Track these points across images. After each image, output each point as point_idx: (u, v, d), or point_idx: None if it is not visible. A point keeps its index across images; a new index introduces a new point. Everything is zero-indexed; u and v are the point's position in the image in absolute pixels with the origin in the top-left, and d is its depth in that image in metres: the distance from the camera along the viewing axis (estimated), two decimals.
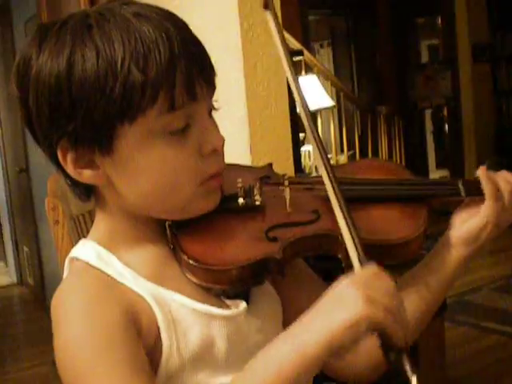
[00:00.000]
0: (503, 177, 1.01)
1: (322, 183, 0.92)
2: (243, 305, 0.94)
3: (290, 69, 0.97)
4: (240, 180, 0.97)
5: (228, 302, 0.93)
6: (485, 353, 3.65)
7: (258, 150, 2.12)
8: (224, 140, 0.93)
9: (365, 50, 8.12)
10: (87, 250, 0.93)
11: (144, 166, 0.88)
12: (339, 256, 0.93)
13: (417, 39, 8.50)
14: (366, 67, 8.07)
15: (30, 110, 0.88)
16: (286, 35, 5.04)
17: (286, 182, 0.99)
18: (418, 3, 7.88)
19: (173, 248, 0.93)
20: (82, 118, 0.84)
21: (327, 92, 5.42)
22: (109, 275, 0.89)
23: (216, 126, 0.93)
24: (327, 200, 0.91)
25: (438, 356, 2.49)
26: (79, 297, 0.87)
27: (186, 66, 0.85)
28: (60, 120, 0.85)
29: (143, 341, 0.86)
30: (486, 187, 0.99)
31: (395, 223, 1.00)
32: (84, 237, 1.61)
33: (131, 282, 0.89)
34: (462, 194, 1.02)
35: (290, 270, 0.95)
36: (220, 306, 0.92)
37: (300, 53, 4.81)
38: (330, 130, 5.64)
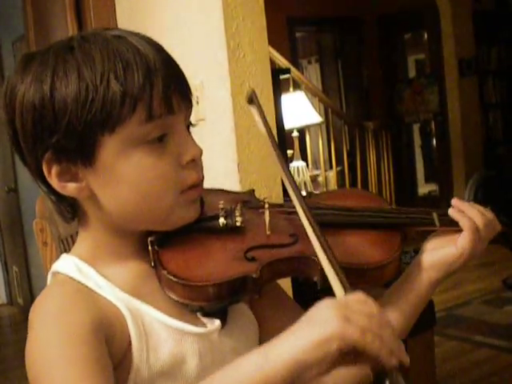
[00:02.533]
0: (478, 210, 1.06)
1: (296, 207, 0.95)
2: (217, 322, 0.97)
3: (279, 157, 1.00)
4: (222, 202, 1.01)
5: (204, 319, 0.96)
6: (475, 367, 3.65)
7: (245, 167, 2.12)
8: (201, 151, 0.96)
9: (352, 65, 8.16)
10: (67, 264, 0.96)
11: (124, 175, 0.91)
12: (315, 279, 0.95)
13: (404, 54, 8.55)
14: (354, 83, 8.11)
15: (16, 130, 0.92)
16: (275, 53, 5.06)
17: (266, 205, 1.03)
18: (405, 19, 7.94)
19: (154, 265, 0.95)
20: (64, 130, 0.88)
21: (315, 108, 5.45)
22: (87, 286, 0.92)
23: (193, 139, 0.97)
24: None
25: (428, 370, 2.50)
26: (53, 302, 0.90)
27: (163, 81, 0.90)
28: (44, 133, 0.89)
29: (114, 350, 0.87)
30: (463, 220, 1.04)
31: (370, 248, 1.03)
32: None
33: (108, 293, 0.92)
34: (437, 224, 1.07)
35: (267, 293, 0.99)
36: (195, 324, 0.95)
37: (287, 71, 4.84)
38: (318, 146, 5.66)
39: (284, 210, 1.06)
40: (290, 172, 1.00)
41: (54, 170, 0.91)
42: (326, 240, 0.89)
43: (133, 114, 0.88)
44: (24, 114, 0.90)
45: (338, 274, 0.84)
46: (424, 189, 8.53)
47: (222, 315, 0.99)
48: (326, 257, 0.87)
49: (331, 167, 5.93)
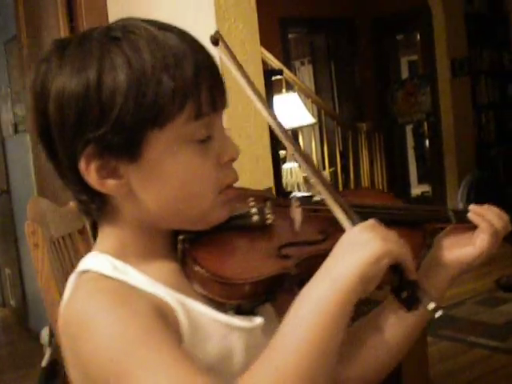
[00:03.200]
0: (496, 213, 1.07)
1: (325, 204, 0.96)
2: (260, 319, 0.95)
3: (259, 97, 1.01)
4: (251, 199, 1.01)
5: (237, 317, 0.94)
6: (469, 367, 3.65)
7: (236, 167, 2.11)
8: (239, 151, 0.96)
9: (345, 66, 8.17)
10: (101, 262, 0.91)
11: (170, 173, 0.89)
12: None
13: (396, 55, 8.57)
14: (347, 84, 8.12)
15: (49, 122, 0.88)
16: (268, 55, 5.06)
17: (297, 203, 1.03)
18: (397, 20, 7.95)
19: (182, 263, 0.94)
20: (112, 124, 0.85)
21: (308, 109, 5.45)
22: (128, 284, 0.89)
23: (231, 138, 0.96)
24: (333, 221, 0.95)
25: (421, 371, 2.49)
26: (101, 299, 0.85)
27: (209, 78, 0.90)
28: (88, 126, 0.85)
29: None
30: (483, 224, 1.05)
31: None
32: (64, 260, 1.62)
33: (152, 287, 0.89)
34: (453, 221, 1.08)
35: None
36: None
37: (280, 72, 4.84)
38: (311, 147, 5.66)
39: (311, 207, 1.05)
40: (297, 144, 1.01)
41: (94, 165, 0.88)
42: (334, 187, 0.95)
43: (182, 110, 0.87)
44: (65, 105, 0.86)
45: (345, 209, 0.93)
46: (417, 190, 8.55)
47: (252, 313, 0.96)
48: (333, 199, 0.94)
49: (324, 168, 5.93)
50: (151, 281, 0.90)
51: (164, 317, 0.85)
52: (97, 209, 0.93)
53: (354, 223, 0.90)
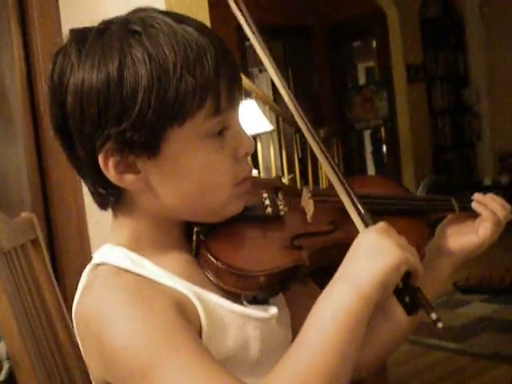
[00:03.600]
0: (499, 202, 1.10)
1: (335, 195, 0.97)
2: (274, 309, 0.96)
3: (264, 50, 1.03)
4: (263, 191, 1.02)
5: (252, 307, 0.94)
6: (428, 370, 3.67)
7: None
8: (254, 144, 0.96)
9: (302, 73, 8.20)
10: (117, 254, 0.92)
11: (189, 168, 0.90)
12: None
13: (353, 62, 8.64)
14: (304, 91, 8.15)
15: (68, 115, 0.87)
16: None
17: (309, 194, 1.03)
18: (353, 27, 8.02)
19: (196, 255, 0.95)
20: (133, 120, 0.84)
21: (266, 116, 5.45)
22: (146, 277, 0.89)
23: (246, 132, 0.96)
24: (341, 212, 0.97)
25: (379, 375, 2.50)
26: (120, 293, 0.86)
27: (229, 74, 0.90)
28: (108, 122, 0.85)
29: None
30: (486, 213, 1.08)
31: (405, 235, 1.02)
32: (15, 271, 1.59)
33: (170, 281, 0.89)
34: (456, 210, 1.10)
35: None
36: None
37: None
38: (270, 153, 5.67)
39: (321, 198, 1.05)
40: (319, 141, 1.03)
41: (112, 160, 0.88)
42: (349, 185, 0.95)
43: (202, 107, 0.86)
44: (84, 99, 0.85)
45: (358, 209, 0.94)
46: None
47: (266, 303, 0.98)
48: (348, 197, 0.95)
49: (283, 175, 5.93)
50: (168, 274, 0.90)
51: (184, 311, 0.86)
52: (114, 201, 0.94)
53: (367, 224, 0.92)
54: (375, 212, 1.04)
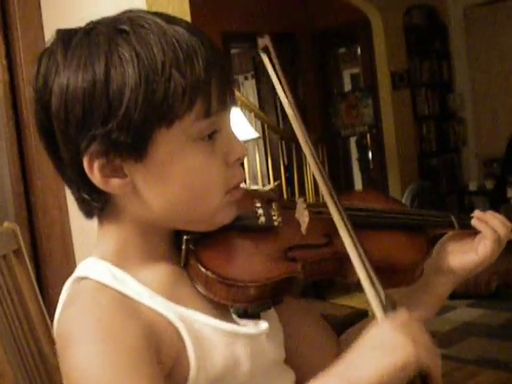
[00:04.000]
0: (500, 220, 1.07)
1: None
2: (265, 324, 0.92)
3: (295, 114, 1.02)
4: (257, 200, 1.00)
5: (241, 322, 0.91)
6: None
7: None
8: (247, 150, 0.94)
9: (288, 81, 8.20)
10: (99, 269, 0.89)
11: (178, 172, 0.87)
12: (351, 280, 0.95)
13: (338, 69, 8.65)
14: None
15: (52, 117, 0.85)
16: None
17: (304, 205, 1.01)
18: (338, 34, 8.04)
19: (184, 265, 0.91)
20: (119, 120, 0.82)
21: (252, 124, 5.46)
22: (126, 295, 0.86)
23: (238, 137, 0.93)
24: (334, 224, 0.93)
25: None
26: (96, 317, 0.83)
27: (219, 75, 0.87)
28: (94, 123, 0.82)
29: (162, 364, 0.83)
30: (486, 231, 1.04)
31: (401, 249, 1.04)
32: None
33: (150, 301, 0.86)
34: (456, 226, 1.07)
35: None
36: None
37: None
38: (255, 161, 5.67)
39: (315, 210, 1.02)
40: (321, 165, 0.99)
41: (97, 163, 0.85)
42: (361, 244, 0.90)
43: (192, 108, 0.84)
44: (69, 100, 0.83)
45: (371, 279, 0.87)
46: None
47: (257, 317, 0.94)
48: (359, 260, 0.88)
49: (269, 182, 5.94)
50: (151, 293, 0.87)
51: (157, 336, 0.83)
52: (99, 208, 0.90)
53: (386, 310, 0.84)
54: (373, 226, 1.04)
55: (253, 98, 8.24)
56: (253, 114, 5.64)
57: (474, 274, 1.08)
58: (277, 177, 5.88)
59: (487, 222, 1.06)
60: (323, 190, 0.95)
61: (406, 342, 0.78)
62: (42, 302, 1.75)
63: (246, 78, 8.78)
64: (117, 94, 0.81)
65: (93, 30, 0.86)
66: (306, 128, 1.02)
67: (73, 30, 0.88)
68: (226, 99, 0.88)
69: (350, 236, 0.90)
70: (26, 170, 2.62)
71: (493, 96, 7.62)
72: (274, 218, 0.98)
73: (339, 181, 7.99)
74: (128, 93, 0.81)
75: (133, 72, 0.81)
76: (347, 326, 1.12)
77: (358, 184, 8.67)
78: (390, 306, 0.85)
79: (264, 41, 1.03)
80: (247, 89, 8.69)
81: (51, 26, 2.70)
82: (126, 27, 0.84)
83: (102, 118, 0.82)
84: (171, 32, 0.84)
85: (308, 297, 4.77)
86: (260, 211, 0.98)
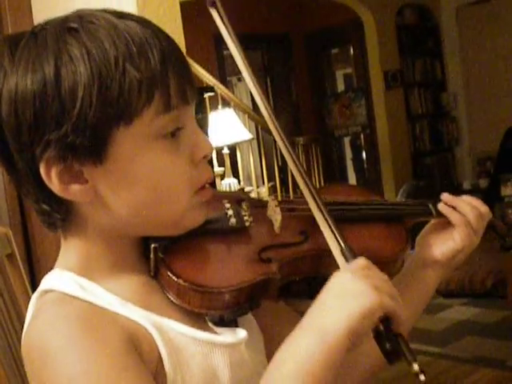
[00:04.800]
0: (468, 202, 1.05)
1: (304, 203, 0.91)
2: (243, 332, 0.88)
3: (245, 64, 0.96)
4: (225, 201, 0.95)
5: (218, 330, 0.87)
6: (409, 375, 3.68)
7: None
8: (213, 147, 0.90)
9: (281, 81, 8.23)
10: (64, 281, 0.84)
11: (141, 173, 0.82)
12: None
13: (331, 69, 8.67)
14: (283, 98, 8.18)
15: (3, 125, 0.80)
16: (201, 70, 5.04)
17: (275, 202, 0.97)
18: (331, 34, 8.06)
19: (154, 275, 0.87)
20: (74, 122, 0.77)
21: (245, 125, 5.46)
22: (96, 305, 0.81)
23: (204, 134, 0.89)
24: (311, 220, 0.90)
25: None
26: (67, 325, 0.77)
27: (177, 68, 0.82)
28: (47, 127, 0.77)
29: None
30: (453, 216, 1.03)
31: (381, 242, 1.02)
32: None
33: (123, 309, 0.82)
34: (434, 214, 1.06)
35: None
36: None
37: (211, 89, 4.85)
38: (249, 162, 5.67)
39: (288, 206, 0.99)
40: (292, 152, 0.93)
41: (55, 170, 0.79)
42: (336, 223, 0.88)
43: (150, 103, 0.79)
44: (19, 105, 0.77)
45: (339, 242, 0.86)
46: None
47: (234, 324, 0.90)
48: (329, 228, 0.87)
49: (263, 183, 5.94)
50: (121, 300, 0.83)
51: (137, 343, 0.79)
52: (61, 219, 0.85)
53: (347, 259, 0.83)
54: (349, 219, 1.01)
55: (246, 100, 8.24)
56: (246, 115, 5.64)
57: (459, 263, 1.06)
58: (271, 178, 5.88)
59: (455, 208, 1.05)
60: (300, 182, 0.91)
61: (368, 288, 0.77)
62: None
63: (239, 80, 8.78)
64: (69, 93, 0.77)
65: (40, 31, 0.81)
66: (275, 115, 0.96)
67: (19, 33, 0.83)
68: (186, 93, 0.84)
69: (326, 218, 0.88)
70: None
71: (486, 94, 7.64)
72: (245, 218, 0.94)
73: (334, 181, 7.99)
74: (81, 92, 0.77)
75: (84, 69, 0.77)
76: None
77: (353, 184, 8.69)
78: (350, 255, 0.84)
79: None
80: (240, 90, 8.70)
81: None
82: (75, 25, 0.80)
83: (56, 120, 0.77)
84: (122, 26, 0.80)
85: (301, 297, 4.76)
86: (230, 212, 0.94)
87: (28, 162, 0.81)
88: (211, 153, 0.89)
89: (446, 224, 1.05)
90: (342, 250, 0.85)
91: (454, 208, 1.05)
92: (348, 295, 0.77)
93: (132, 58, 0.78)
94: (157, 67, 0.80)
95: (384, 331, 0.78)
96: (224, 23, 0.96)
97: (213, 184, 0.95)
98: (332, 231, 0.86)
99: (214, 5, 0.97)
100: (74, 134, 0.77)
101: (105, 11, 0.83)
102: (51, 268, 0.89)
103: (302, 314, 0.81)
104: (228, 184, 5.29)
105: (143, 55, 0.79)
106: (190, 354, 0.83)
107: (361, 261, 0.82)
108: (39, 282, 0.86)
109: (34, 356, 0.79)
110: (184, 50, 2.27)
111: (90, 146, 0.79)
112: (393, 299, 0.78)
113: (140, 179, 0.82)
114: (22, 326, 1.64)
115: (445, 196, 1.06)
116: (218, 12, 0.96)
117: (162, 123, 0.82)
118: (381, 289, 0.78)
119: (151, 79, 0.79)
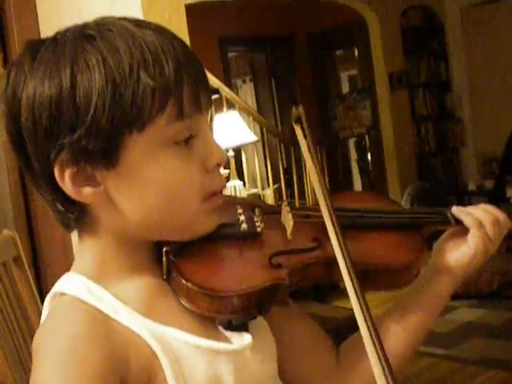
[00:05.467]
0: (483, 208, 1.05)
1: (320, 211, 0.92)
2: (248, 337, 0.89)
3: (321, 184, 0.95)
4: (239, 207, 0.97)
5: (228, 334, 0.89)
6: (416, 376, 3.67)
7: None
8: (227, 155, 0.91)
9: (285, 83, 8.23)
10: (76, 284, 0.86)
11: (152, 179, 0.84)
12: (341, 285, 0.91)
13: (336, 71, 8.67)
14: (288, 100, 8.17)
15: (21, 129, 0.83)
16: (206, 73, 5.10)
17: (288, 208, 0.97)
18: (335, 36, 8.06)
19: (167, 277, 0.88)
20: (88, 127, 0.80)
21: (250, 127, 5.47)
22: (101, 311, 0.83)
23: (217, 142, 0.90)
24: (325, 227, 0.90)
25: None
26: (63, 331, 0.81)
27: (192, 76, 0.84)
28: (62, 131, 0.80)
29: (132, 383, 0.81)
30: (466, 219, 1.02)
31: (395, 249, 1.01)
32: None
33: (126, 318, 0.83)
34: (452, 222, 1.04)
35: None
36: (221, 340, 0.88)
37: (216, 91, 4.86)
38: (254, 164, 5.68)
39: (303, 213, 1.00)
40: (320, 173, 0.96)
41: (68, 172, 0.82)
42: (346, 247, 0.87)
43: (163, 111, 0.81)
44: (36, 109, 0.81)
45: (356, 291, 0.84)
46: None
47: (244, 329, 0.90)
48: (344, 263, 0.86)
49: (268, 185, 5.95)
50: (127, 309, 0.84)
51: (124, 360, 0.80)
52: (75, 219, 0.88)
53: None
54: (366, 227, 1.01)
55: (251, 102, 8.25)
56: (251, 117, 5.65)
57: (473, 270, 1.04)
58: (276, 180, 5.89)
59: (468, 212, 1.04)
60: (318, 192, 0.93)
61: None
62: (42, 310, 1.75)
63: (243, 82, 8.80)
64: (83, 99, 0.80)
65: (60, 38, 0.84)
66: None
67: (41, 40, 0.86)
68: (200, 101, 0.86)
69: (340, 245, 0.88)
70: (25, 177, 2.62)
71: (491, 95, 7.62)
72: (257, 223, 0.95)
73: (339, 183, 7.99)
74: (95, 98, 0.79)
75: (99, 76, 0.80)
76: (348, 328, 1.12)
77: (358, 186, 8.68)
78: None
79: (298, 111, 1.02)
80: (245, 92, 8.71)
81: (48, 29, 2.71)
82: (92, 32, 0.83)
83: (70, 125, 0.80)
84: (139, 34, 0.82)
85: (308, 299, 4.76)
86: (242, 217, 0.95)
87: (43, 164, 0.83)
88: (224, 161, 0.90)
89: (463, 232, 1.04)
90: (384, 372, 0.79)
91: (466, 212, 1.04)
92: None
93: (146, 66, 0.81)
94: (171, 75, 0.81)
95: None
96: (306, 139, 0.99)
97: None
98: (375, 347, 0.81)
99: (298, 121, 1.01)
100: (87, 139, 0.80)
101: (124, 19, 0.86)
102: (57, 271, 0.91)
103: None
104: (233, 186, 5.29)
105: (158, 63, 0.81)
106: (194, 363, 0.84)
107: None
108: (45, 284, 0.87)
109: (33, 353, 0.82)
110: (204, 56, 2.27)
111: (102, 150, 0.81)
112: None
113: (151, 184, 0.84)
114: (28, 328, 1.66)
115: (454, 207, 1.06)
116: (302, 129, 1.00)
117: (174, 130, 0.83)
118: None
119: (165, 87, 0.81)
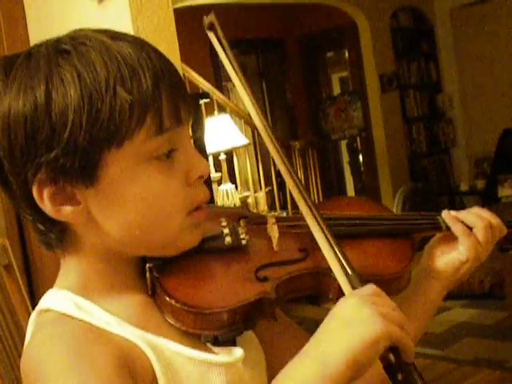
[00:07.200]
0: (475, 212, 1.03)
1: (305, 220, 0.90)
2: (239, 351, 0.87)
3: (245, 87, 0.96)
4: (223, 219, 0.94)
5: (215, 349, 0.86)
6: None
7: None
8: (210, 167, 0.89)
9: (276, 86, 8.23)
10: (62, 300, 0.84)
11: (132, 195, 0.82)
12: (330, 296, 0.91)
13: (327, 73, 8.67)
14: (279, 103, 8.18)
15: None
16: (197, 77, 5.06)
17: (273, 220, 0.95)
18: (326, 38, 8.07)
19: (152, 294, 0.86)
20: (64, 145, 0.77)
21: (242, 130, 5.48)
22: (92, 324, 0.81)
23: (199, 154, 0.88)
24: (312, 238, 0.88)
25: None
26: (62, 347, 0.77)
27: (170, 89, 0.82)
28: (38, 149, 0.78)
29: None
30: (454, 227, 1.01)
31: (385, 258, 1.00)
32: None
33: (119, 329, 0.81)
34: (443, 228, 1.03)
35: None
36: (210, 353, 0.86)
37: (207, 95, 4.86)
38: (246, 167, 5.68)
39: (290, 223, 0.97)
40: (294, 173, 0.93)
41: (47, 192, 0.80)
42: (340, 247, 0.86)
43: (142, 126, 0.79)
44: (12, 127, 0.78)
45: (346, 270, 0.83)
46: None
47: (232, 343, 0.88)
48: (336, 260, 0.85)
49: (260, 188, 5.95)
50: (117, 319, 0.83)
51: (130, 363, 0.78)
52: (56, 239, 0.85)
53: (353, 286, 0.81)
54: (352, 236, 0.99)
55: (242, 105, 8.24)
56: (242, 120, 5.65)
57: (465, 275, 1.04)
58: (268, 183, 5.89)
59: (458, 217, 1.03)
60: (299, 201, 0.90)
61: (373, 316, 0.74)
62: None
63: (234, 85, 8.79)
64: (59, 117, 0.77)
65: (33, 53, 0.81)
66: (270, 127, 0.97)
67: (14, 55, 0.83)
68: (180, 114, 0.83)
69: (320, 226, 0.87)
70: None
71: (481, 95, 7.65)
72: (242, 236, 0.92)
73: (331, 184, 8.00)
74: (71, 115, 0.77)
75: (75, 92, 0.77)
76: None
77: (350, 187, 8.69)
78: (357, 281, 0.81)
79: (209, 18, 0.98)
80: (236, 96, 8.70)
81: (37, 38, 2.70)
82: (67, 47, 0.80)
83: (46, 143, 0.78)
84: (115, 47, 0.80)
85: (300, 302, 4.77)
86: (226, 230, 0.92)
87: (21, 184, 0.81)
88: (207, 173, 0.88)
89: (453, 235, 1.03)
90: (348, 277, 0.83)
91: (456, 218, 1.03)
92: (351, 323, 0.74)
93: (123, 81, 0.78)
94: (149, 90, 0.79)
95: (395, 361, 0.75)
96: (222, 47, 0.97)
97: (210, 195, 0.92)
98: (338, 258, 0.85)
99: (212, 28, 0.97)
100: (65, 157, 0.78)
101: (99, 31, 0.83)
102: (49, 279, 0.89)
103: (299, 318, 0.80)
104: (225, 189, 5.29)
105: (135, 78, 0.79)
106: (186, 374, 0.83)
107: (368, 288, 0.79)
108: (37, 292, 0.85)
109: (29, 375, 0.79)
110: (179, 56, 2.27)
111: (80, 168, 0.79)
112: (400, 328, 0.75)
113: (132, 200, 0.82)
114: (20, 336, 1.65)
115: (444, 211, 1.05)
116: (217, 36, 0.97)
117: (154, 145, 0.81)
118: (388, 317, 0.75)
119: (143, 102, 0.79)
